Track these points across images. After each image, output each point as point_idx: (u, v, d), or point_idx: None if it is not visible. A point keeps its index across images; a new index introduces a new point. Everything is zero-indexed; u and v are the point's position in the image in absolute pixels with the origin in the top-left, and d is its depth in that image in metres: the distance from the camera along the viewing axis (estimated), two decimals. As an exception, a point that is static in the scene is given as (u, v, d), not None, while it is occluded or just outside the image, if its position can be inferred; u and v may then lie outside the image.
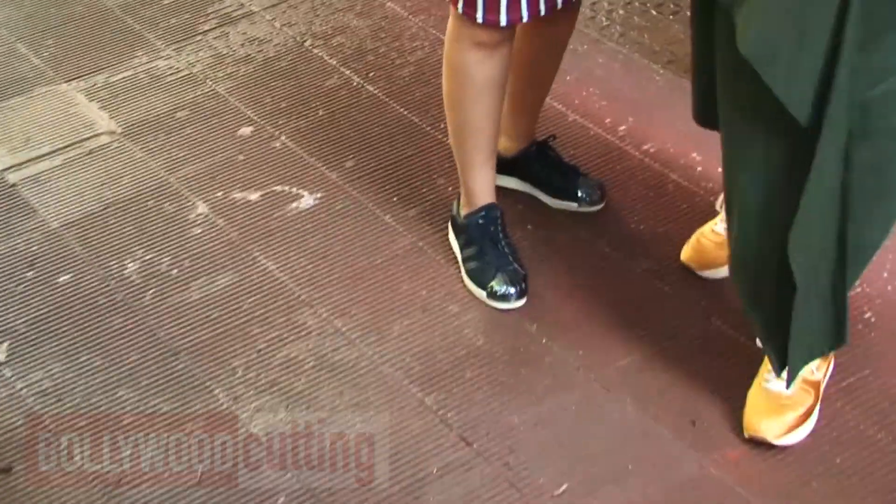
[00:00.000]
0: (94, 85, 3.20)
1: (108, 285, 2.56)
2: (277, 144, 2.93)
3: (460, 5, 2.19)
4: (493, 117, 2.37)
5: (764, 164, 1.89)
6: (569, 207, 2.63)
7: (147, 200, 2.77)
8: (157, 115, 3.06)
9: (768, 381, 2.12)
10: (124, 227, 2.71)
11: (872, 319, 2.32)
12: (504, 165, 2.60)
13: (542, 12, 2.20)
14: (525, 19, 2.19)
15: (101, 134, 3.01)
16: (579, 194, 2.62)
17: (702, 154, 2.75)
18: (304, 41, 3.31)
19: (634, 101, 2.96)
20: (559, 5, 2.22)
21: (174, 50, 3.32)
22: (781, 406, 2.10)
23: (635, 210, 2.65)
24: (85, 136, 3.01)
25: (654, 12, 3.28)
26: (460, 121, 2.39)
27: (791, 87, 1.74)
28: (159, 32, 3.39)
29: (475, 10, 2.17)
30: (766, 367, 2.14)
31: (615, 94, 2.98)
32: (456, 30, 2.28)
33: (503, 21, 2.16)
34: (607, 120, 2.89)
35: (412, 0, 3.36)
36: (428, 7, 3.31)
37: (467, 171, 2.45)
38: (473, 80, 2.31)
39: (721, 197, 2.44)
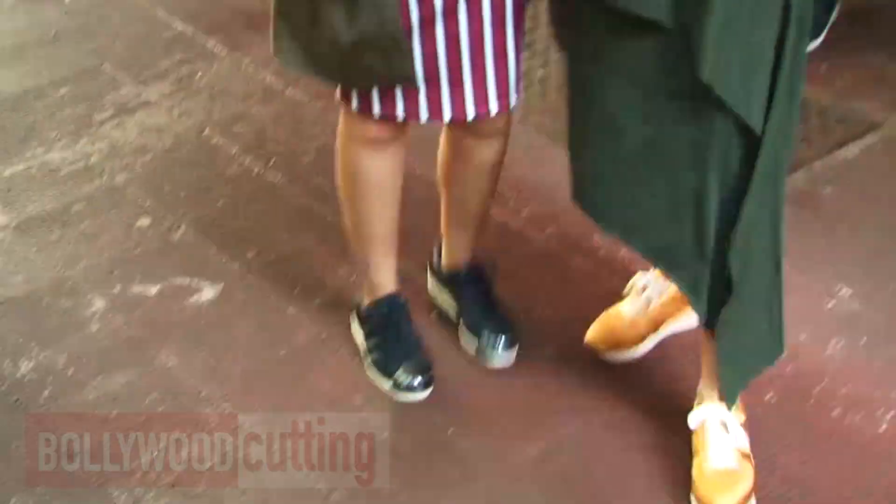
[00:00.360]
0: (-12, 179, 3.21)
1: (2, 385, 2.53)
2: (177, 236, 2.95)
3: (354, 103, 2.22)
4: (389, 212, 2.41)
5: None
6: (468, 348, 2.55)
7: (42, 297, 2.76)
8: (53, 209, 3.06)
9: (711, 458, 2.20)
10: (19, 325, 2.68)
11: (773, 401, 2.39)
12: (441, 278, 2.63)
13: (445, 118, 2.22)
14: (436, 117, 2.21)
15: (-5, 230, 3.02)
16: (480, 343, 2.52)
17: (604, 237, 2.83)
18: (203, 129, 3.36)
19: (536, 184, 3.04)
20: (445, 115, 2.21)
21: (70, 141, 3.33)
22: (732, 478, 2.17)
23: (539, 295, 2.71)
24: (-24, 232, 3.01)
25: (554, 95, 3.38)
26: (356, 216, 2.42)
27: (750, 103, 1.93)
28: (54, 123, 3.41)
29: (371, 104, 2.19)
30: (705, 448, 2.21)
31: (517, 177, 3.04)
32: (347, 127, 2.32)
33: (400, 114, 2.19)
34: (510, 203, 2.96)
35: (312, 86, 3.41)
36: (328, 93, 3.31)
37: (368, 264, 2.48)
38: (366, 176, 2.35)
39: (632, 280, 2.53)
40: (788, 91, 1.96)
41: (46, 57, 3.73)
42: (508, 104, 2.24)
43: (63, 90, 3.56)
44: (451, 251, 2.59)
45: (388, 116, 2.20)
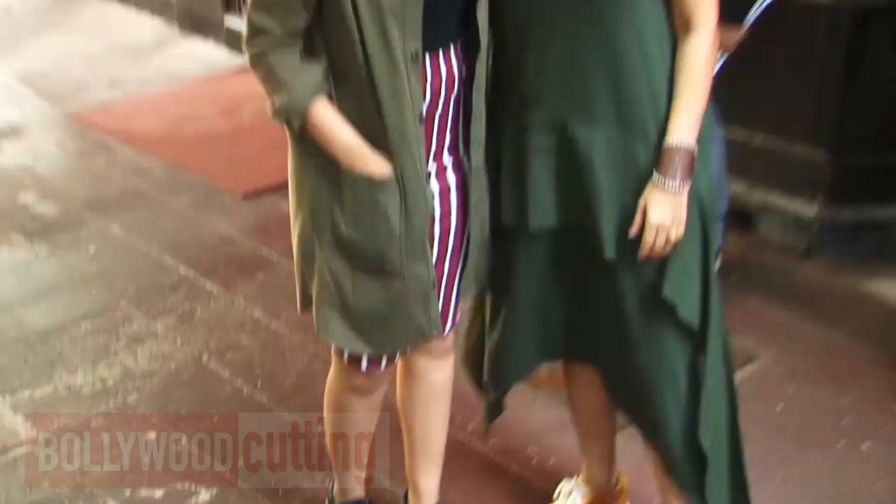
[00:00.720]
0: (21, 399, 3.21)
1: (25, 579, 2.52)
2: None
3: (346, 356, 2.27)
4: (363, 439, 2.45)
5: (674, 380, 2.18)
6: None
7: (63, 500, 2.77)
8: (75, 425, 3.08)
9: None
10: (43, 525, 2.69)
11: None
12: None
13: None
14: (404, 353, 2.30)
15: (25, 443, 3.01)
16: None
17: (537, 448, 2.91)
18: (202, 357, 3.41)
19: (479, 402, 3.09)
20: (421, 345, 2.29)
21: (90, 367, 3.37)
22: None
23: (482, 498, 2.75)
24: (9, 445, 3.01)
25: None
26: (336, 439, 2.48)
27: (693, 310, 2.10)
28: (77, 352, 3.45)
29: (360, 359, 2.26)
30: None
31: (462, 396, 3.05)
32: (337, 376, 2.37)
33: (384, 365, 2.26)
34: (457, 419, 2.99)
35: (293, 320, 3.48)
36: (307, 327, 3.41)
37: (340, 472, 2.53)
38: (350, 415, 2.40)
39: (560, 486, 2.60)
40: (716, 291, 2.14)
41: (73, 296, 3.78)
42: (455, 323, 2.32)
43: (85, 324, 3.59)
44: (418, 497, 2.53)
45: (372, 367, 2.27)
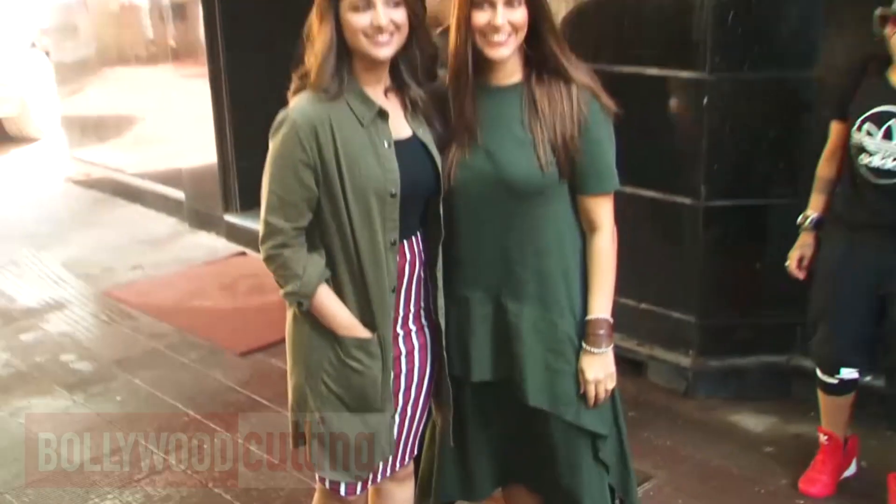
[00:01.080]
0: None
1: None
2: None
3: (328, 484, 2.25)
4: None
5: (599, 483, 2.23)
6: None
7: None
8: (107, 543, 3.01)
9: None
10: None
11: None
12: None
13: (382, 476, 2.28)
14: (375, 481, 2.29)
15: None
16: None
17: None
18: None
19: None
20: (388, 473, 2.28)
21: (118, 493, 3.32)
22: None
23: None
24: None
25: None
26: None
27: (607, 425, 2.17)
28: (107, 481, 3.39)
29: (338, 487, 2.24)
30: None
31: None
32: (320, 499, 2.34)
33: (358, 490, 2.26)
34: None
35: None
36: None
37: None
38: None
39: None
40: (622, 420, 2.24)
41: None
42: (414, 454, 2.34)
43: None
44: None
45: (349, 492, 2.25)
